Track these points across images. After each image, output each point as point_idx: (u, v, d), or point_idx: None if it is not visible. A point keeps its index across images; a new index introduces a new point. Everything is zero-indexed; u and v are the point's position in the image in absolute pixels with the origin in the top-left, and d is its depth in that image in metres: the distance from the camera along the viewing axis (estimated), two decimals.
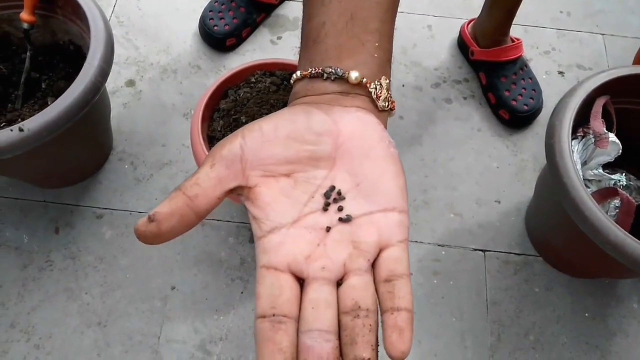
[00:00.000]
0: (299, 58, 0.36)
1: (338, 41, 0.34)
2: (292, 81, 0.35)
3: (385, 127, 0.34)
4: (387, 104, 0.34)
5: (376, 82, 0.34)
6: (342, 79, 0.33)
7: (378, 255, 0.30)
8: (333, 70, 0.33)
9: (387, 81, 0.35)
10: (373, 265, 0.30)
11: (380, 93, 0.34)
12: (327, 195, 0.31)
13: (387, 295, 0.28)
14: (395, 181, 0.32)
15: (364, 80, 0.33)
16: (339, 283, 0.30)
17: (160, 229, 0.28)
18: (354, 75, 0.33)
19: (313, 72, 0.33)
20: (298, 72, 0.35)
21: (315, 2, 0.34)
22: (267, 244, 0.30)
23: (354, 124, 0.32)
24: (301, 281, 0.30)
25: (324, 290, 0.29)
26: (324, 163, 0.32)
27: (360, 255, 0.30)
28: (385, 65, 0.35)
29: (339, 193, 0.32)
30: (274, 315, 0.28)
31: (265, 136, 0.31)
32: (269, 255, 0.30)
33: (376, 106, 0.34)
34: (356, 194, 0.31)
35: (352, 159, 0.32)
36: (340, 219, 0.31)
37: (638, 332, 0.85)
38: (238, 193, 0.31)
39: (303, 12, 0.36)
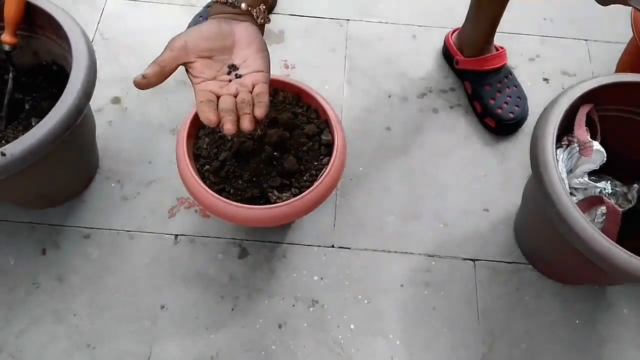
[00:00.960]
0: None
1: None
2: (208, 3, 0.62)
3: (262, 33, 0.62)
4: (263, 20, 0.62)
5: (257, 8, 0.60)
6: (236, 6, 0.60)
7: (253, 87, 0.59)
8: (232, 1, 0.59)
9: (264, 7, 0.61)
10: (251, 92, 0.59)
11: (259, 14, 0.61)
12: (229, 67, 0.60)
13: (255, 97, 0.58)
14: (263, 59, 0.60)
15: (249, 8, 0.60)
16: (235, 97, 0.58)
17: (149, 81, 0.56)
18: (243, 5, 0.59)
19: (222, 0, 0.60)
20: None
21: None
22: (201, 85, 0.58)
23: (243, 30, 0.60)
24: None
25: (228, 97, 0.58)
26: (227, 51, 0.60)
27: (244, 86, 0.59)
28: None
29: (235, 67, 0.60)
30: (207, 100, 0.57)
31: (197, 35, 0.59)
32: (202, 86, 0.58)
33: (256, 22, 0.61)
34: (244, 65, 0.60)
35: (242, 48, 0.60)
36: (236, 76, 0.60)
37: (628, 338, 0.85)
38: (184, 66, 0.59)
39: None
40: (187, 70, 0.59)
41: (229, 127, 0.54)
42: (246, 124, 0.55)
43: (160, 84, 0.57)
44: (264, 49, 0.61)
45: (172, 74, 0.58)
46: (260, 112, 0.56)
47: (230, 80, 0.59)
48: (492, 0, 0.94)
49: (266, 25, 0.63)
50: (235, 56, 0.60)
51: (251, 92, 0.58)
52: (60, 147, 0.70)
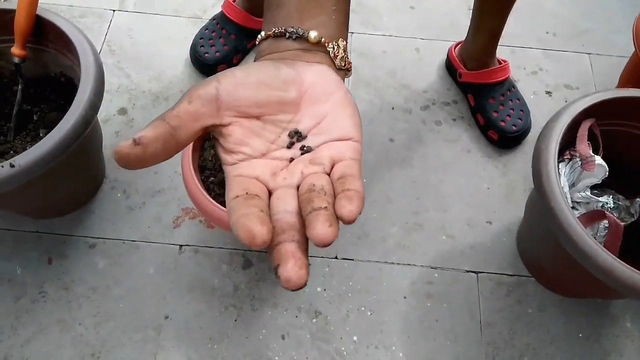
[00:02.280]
0: (264, 22, 0.40)
1: (299, 5, 0.37)
2: (257, 41, 0.39)
3: (344, 81, 0.38)
4: (343, 63, 0.38)
5: (334, 42, 0.38)
6: (302, 38, 0.37)
7: (332, 168, 0.33)
8: (294, 30, 0.37)
9: (344, 42, 0.38)
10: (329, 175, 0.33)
11: (338, 52, 0.38)
12: (290, 135, 0.35)
13: (338, 184, 0.31)
14: (351, 119, 0.35)
15: (322, 39, 0.37)
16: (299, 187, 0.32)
17: (145, 152, 0.30)
18: (312, 34, 0.36)
19: (277, 31, 0.37)
20: (263, 33, 0.38)
21: None
22: (237, 167, 0.33)
23: (315, 74, 0.36)
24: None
25: (288, 191, 0.32)
26: (290, 107, 0.35)
27: (316, 164, 0.33)
28: (342, 27, 0.39)
29: (301, 135, 0.35)
30: (246, 193, 0.31)
31: (238, 80, 0.34)
32: (240, 169, 0.33)
33: (334, 64, 0.38)
34: (316, 131, 0.35)
35: (314, 103, 0.35)
36: (302, 149, 0.35)
37: (632, 351, 0.85)
38: (212, 131, 0.34)
39: None
40: (216, 140, 0.35)
41: (289, 276, 0.28)
42: (320, 231, 0.28)
43: (168, 159, 0.32)
44: (351, 102, 0.36)
45: (189, 142, 0.33)
46: (350, 209, 0.29)
47: (292, 159, 0.34)
48: (491, 14, 0.95)
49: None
50: (303, 116, 0.36)
51: (329, 174, 0.33)
52: (67, 158, 0.71)
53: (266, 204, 0.31)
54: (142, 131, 0.30)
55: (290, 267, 0.28)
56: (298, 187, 0.32)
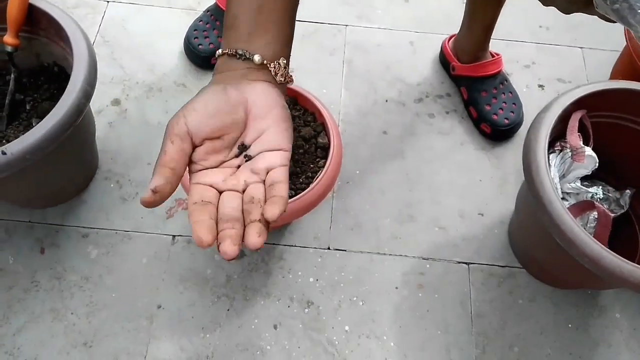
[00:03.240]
0: (223, 40, 0.48)
1: (248, 29, 0.46)
2: (216, 56, 0.47)
3: (285, 93, 0.48)
4: (283, 78, 0.47)
5: (275, 62, 0.46)
6: (249, 59, 0.45)
7: (267, 175, 0.43)
8: (242, 53, 0.45)
9: (285, 61, 0.48)
10: (264, 182, 0.44)
11: (278, 70, 0.47)
12: (239, 147, 0.45)
13: (269, 190, 0.42)
14: (285, 132, 0.45)
15: (265, 62, 0.46)
16: (243, 192, 0.43)
17: (162, 197, 0.40)
18: (257, 58, 0.45)
19: (229, 52, 0.46)
20: (219, 50, 0.47)
21: None
22: (198, 175, 0.44)
23: (258, 94, 0.45)
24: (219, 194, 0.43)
25: (233, 194, 0.43)
26: (240, 125, 0.45)
27: (256, 175, 0.44)
28: (285, 47, 0.48)
29: (246, 146, 0.45)
30: (202, 201, 0.41)
31: (200, 113, 0.43)
32: (199, 178, 0.43)
33: (275, 80, 0.47)
34: (257, 142, 0.45)
35: (257, 119, 0.45)
36: (245, 157, 0.45)
37: (620, 342, 0.86)
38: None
39: (226, 3, 0.48)
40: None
41: (225, 250, 0.38)
42: (252, 240, 0.39)
43: (176, 189, 0.41)
44: (285, 118, 0.45)
45: (185, 170, 0.43)
46: (272, 212, 0.39)
47: (239, 165, 0.44)
48: (485, 7, 0.95)
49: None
50: (249, 131, 0.45)
51: (264, 181, 0.43)
52: (60, 147, 0.71)
53: (215, 208, 0.42)
54: (153, 181, 0.40)
55: (227, 245, 0.39)
56: (242, 190, 0.43)
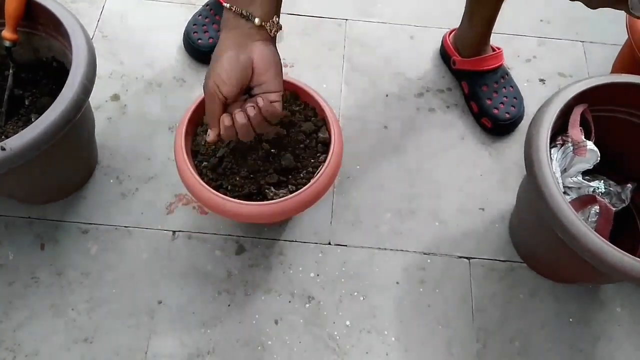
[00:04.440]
0: None
1: None
2: (225, 5, 0.60)
3: (275, 44, 0.64)
4: (277, 31, 0.63)
5: (270, 21, 0.61)
6: (250, 20, 0.60)
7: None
8: (247, 15, 0.60)
9: (277, 18, 0.62)
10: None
11: (273, 27, 0.61)
12: (246, 91, 0.64)
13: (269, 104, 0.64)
14: (278, 79, 0.63)
15: (262, 23, 0.60)
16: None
17: (222, 139, 0.66)
18: (257, 20, 0.60)
19: (236, 11, 0.60)
20: (227, 5, 0.60)
21: None
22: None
23: (260, 53, 0.61)
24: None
25: (241, 113, 0.63)
26: (249, 79, 0.62)
27: (254, 103, 0.63)
28: (277, 7, 0.62)
29: (251, 90, 0.64)
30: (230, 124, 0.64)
31: (227, 84, 0.61)
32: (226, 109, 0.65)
33: (270, 35, 0.62)
34: (258, 88, 0.63)
35: (260, 74, 0.62)
36: (250, 95, 0.65)
37: (621, 336, 0.86)
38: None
39: None
40: None
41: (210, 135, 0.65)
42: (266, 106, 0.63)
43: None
44: (278, 71, 0.63)
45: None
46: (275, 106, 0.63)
47: (245, 100, 0.65)
48: (486, 1, 0.94)
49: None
50: (254, 81, 0.63)
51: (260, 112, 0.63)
52: (59, 143, 0.71)
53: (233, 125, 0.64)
54: (213, 131, 0.65)
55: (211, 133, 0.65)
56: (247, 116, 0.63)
